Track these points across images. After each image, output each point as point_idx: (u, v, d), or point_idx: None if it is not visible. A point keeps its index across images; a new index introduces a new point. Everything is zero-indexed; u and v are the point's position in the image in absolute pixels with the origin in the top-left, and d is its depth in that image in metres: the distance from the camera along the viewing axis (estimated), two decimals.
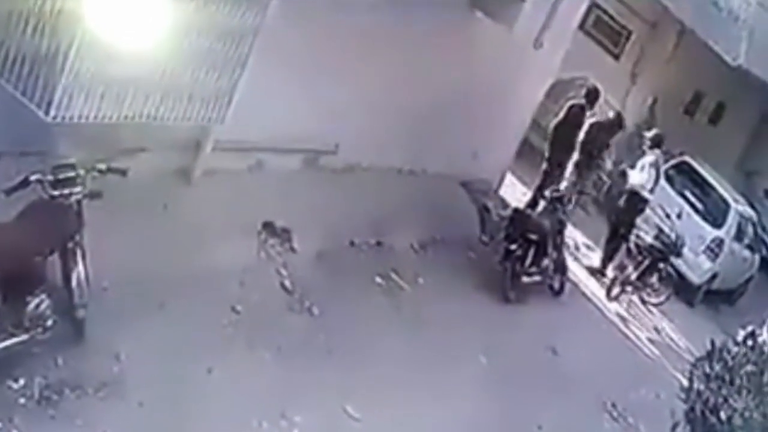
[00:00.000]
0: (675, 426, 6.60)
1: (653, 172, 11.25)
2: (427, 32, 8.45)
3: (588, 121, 11.35)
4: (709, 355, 6.85)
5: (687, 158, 13.31)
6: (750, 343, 6.95)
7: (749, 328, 7.15)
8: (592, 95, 11.45)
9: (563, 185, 10.89)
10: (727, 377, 6.61)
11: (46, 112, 5.49)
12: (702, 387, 6.68)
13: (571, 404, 7.97)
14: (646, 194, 11.23)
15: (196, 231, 6.55)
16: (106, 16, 5.42)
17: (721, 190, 13.04)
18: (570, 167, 11.25)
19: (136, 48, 5.64)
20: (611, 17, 14.81)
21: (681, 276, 11.99)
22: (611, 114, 11.83)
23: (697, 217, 12.72)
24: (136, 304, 5.73)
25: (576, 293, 10.48)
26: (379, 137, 8.47)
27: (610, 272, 11.25)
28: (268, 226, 7.40)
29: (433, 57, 8.71)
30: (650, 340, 10.60)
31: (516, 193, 11.51)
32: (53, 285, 5.20)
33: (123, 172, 5.51)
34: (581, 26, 12.62)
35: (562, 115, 11.38)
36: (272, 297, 6.92)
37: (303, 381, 6.19)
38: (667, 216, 12.16)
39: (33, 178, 5.11)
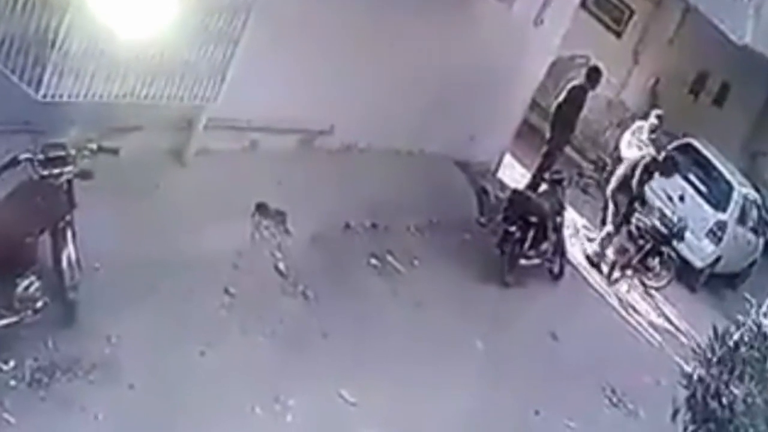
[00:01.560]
0: (676, 412, 6.55)
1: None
2: (425, 11, 8.37)
3: (643, 162, 11.01)
4: (711, 341, 6.79)
5: (691, 140, 13.19)
6: (752, 328, 6.89)
7: (752, 313, 7.09)
8: (594, 76, 11.34)
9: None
10: (729, 363, 6.55)
11: (36, 91, 5.47)
12: (703, 373, 6.62)
13: (569, 389, 7.92)
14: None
15: (189, 212, 6.51)
16: None
17: (725, 173, 12.91)
18: (609, 215, 11.04)
19: (127, 26, 5.58)
20: None
21: (683, 260, 11.91)
22: (656, 152, 11.36)
23: (700, 200, 12.60)
24: (128, 285, 5.69)
25: (576, 277, 10.42)
26: (376, 117, 8.40)
27: (610, 255, 11.16)
28: (262, 207, 7.34)
29: (431, 36, 8.62)
30: (651, 325, 10.55)
31: (515, 174, 11.43)
32: (44, 266, 5.17)
33: (115, 152, 5.48)
34: (582, 4, 12.48)
35: (563, 96, 11.27)
36: (266, 280, 6.88)
37: (297, 365, 6.17)
38: (670, 199, 12.05)
39: (23, 157, 5.07)
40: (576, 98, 11.17)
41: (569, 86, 11.36)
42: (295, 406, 5.83)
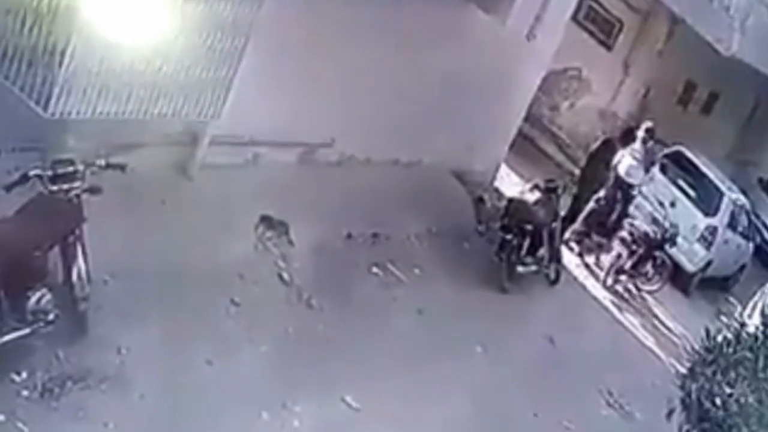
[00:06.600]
0: (671, 412, 6.67)
1: (642, 163, 11.39)
2: (421, 25, 8.50)
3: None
4: (704, 342, 6.91)
5: (680, 148, 13.38)
6: (744, 329, 7.01)
7: (744, 315, 7.23)
8: (628, 135, 11.46)
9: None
10: (722, 363, 6.67)
11: (45, 108, 5.56)
12: (697, 373, 6.74)
13: (567, 392, 8.03)
14: (633, 182, 11.34)
15: (195, 225, 6.61)
16: (102, 12, 5.49)
17: (714, 179, 13.10)
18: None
19: (133, 44, 5.71)
20: (603, 8, 14.86)
21: (675, 264, 12.07)
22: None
23: (691, 206, 12.78)
24: (137, 297, 5.78)
25: (571, 282, 10.54)
26: (374, 130, 8.51)
27: (604, 261, 11.30)
28: (265, 219, 7.44)
29: (428, 50, 8.74)
30: (646, 328, 10.68)
31: (511, 184, 11.56)
32: (54, 279, 5.25)
33: (122, 168, 5.56)
34: (573, 17, 12.66)
35: (593, 148, 11.46)
36: (271, 289, 6.97)
37: (302, 372, 6.26)
38: (661, 205, 12.22)
39: (32, 173, 5.15)
40: (606, 151, 11.30)
41: (602, 139, 11.53)
42: (301, 412, 5.93)
